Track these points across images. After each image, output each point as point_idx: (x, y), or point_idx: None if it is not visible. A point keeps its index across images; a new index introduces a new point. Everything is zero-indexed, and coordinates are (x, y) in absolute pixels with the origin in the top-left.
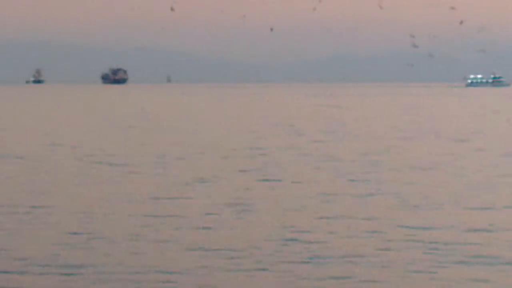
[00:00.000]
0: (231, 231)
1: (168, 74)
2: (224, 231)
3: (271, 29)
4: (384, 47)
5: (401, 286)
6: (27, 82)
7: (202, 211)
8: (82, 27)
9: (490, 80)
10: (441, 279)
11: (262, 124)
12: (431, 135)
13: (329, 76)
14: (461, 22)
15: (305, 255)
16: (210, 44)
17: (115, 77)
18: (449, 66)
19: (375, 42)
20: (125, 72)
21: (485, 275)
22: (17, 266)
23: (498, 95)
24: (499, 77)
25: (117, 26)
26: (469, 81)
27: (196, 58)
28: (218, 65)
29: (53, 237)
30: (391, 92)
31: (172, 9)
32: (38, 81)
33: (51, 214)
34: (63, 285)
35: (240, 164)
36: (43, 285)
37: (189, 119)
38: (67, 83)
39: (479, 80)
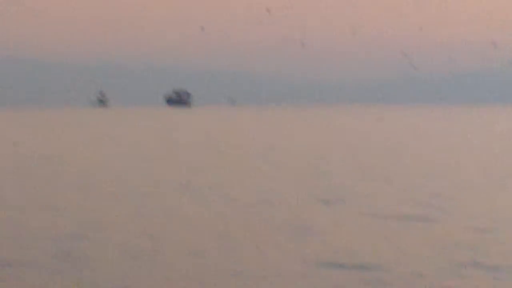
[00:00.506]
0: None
1: (232, 96)
2: (280, 252)
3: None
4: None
5: None
6: (91, 103)
7: (264, 232)
8: (146, 49)
9: None
10: None
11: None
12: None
13: (390, 97)
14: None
15: (360, 276)
16: (271, 65)
17: (179, 99)
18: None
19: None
20: (188, 94)
21: None
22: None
23: None
24: None
25: (180, 48)
26: None
27: (258, 80)
28: (281, 86)
29: (115, 259)
30: (453, 113)
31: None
32: (102, 103)
33: (114, 238)
34: None
35: (307, 185)
36: None
37: (261, 143)
38: (131, 105)
39: None
